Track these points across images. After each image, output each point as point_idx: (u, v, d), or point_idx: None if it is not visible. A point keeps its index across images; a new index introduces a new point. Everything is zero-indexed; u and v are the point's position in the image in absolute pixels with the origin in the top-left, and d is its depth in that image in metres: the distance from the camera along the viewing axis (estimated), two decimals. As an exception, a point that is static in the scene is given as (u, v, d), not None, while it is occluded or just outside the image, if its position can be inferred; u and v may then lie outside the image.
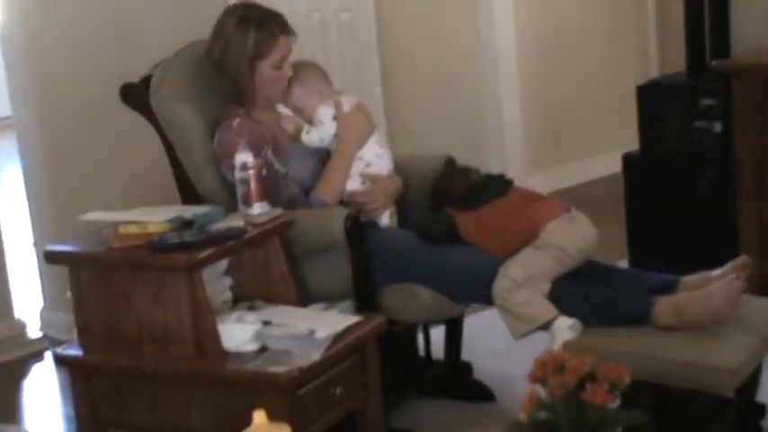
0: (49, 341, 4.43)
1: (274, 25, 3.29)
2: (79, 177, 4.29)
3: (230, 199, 3.19)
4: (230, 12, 3.34)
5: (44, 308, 4.58)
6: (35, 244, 4.54)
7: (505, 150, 5.55)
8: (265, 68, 3.29)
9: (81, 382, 2.99)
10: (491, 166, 5.48)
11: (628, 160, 4.45)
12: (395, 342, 3.42)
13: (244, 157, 3.03)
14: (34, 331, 4.52)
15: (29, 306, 4.65)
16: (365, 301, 3.17)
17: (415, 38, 5.64)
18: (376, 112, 5.72)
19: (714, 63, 4.13)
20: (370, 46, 5.76)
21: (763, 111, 3.93)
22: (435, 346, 3.70)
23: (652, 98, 4.34)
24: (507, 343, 3.29)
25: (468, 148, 5.49)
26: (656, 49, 5.57)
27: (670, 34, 4.90)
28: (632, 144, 4.48)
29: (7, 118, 5.17)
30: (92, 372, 2.97)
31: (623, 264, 4.47)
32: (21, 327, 4.47)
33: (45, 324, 4.55)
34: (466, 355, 3.70)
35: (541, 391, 1.99)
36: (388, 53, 5.71)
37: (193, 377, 2.84)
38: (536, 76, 5.63)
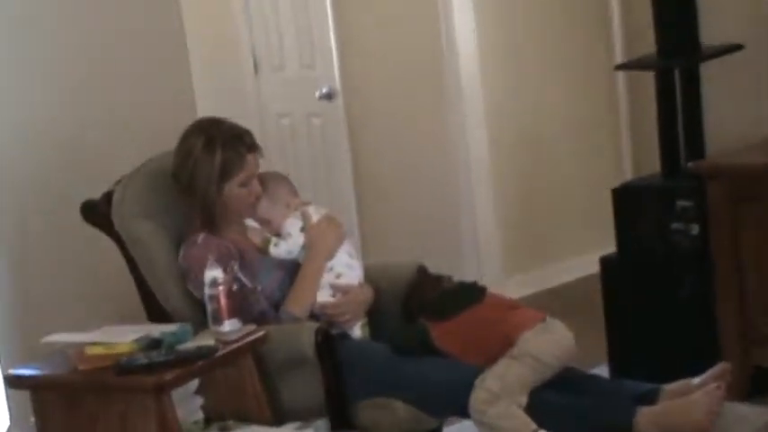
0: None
1: (240, 145, 3.24)
2: (47, 295, 4.18)
3: (198, 315, 3.11)
4: (195, 131, 3.28)
5: (10, 428, 4.44)
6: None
7: (480, 253, 5.49)
8: (233, 188, 3.24)
9: None
10: (466, 269, 5.42)
11: (605, 263, 4.39)
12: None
13: (213, 273, 2.96)
14: (-1, 454, 4.36)
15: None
16: (338, 418, 3.08)
17: (387, 141, 5.63)
18: (349, 215, 5.68)
19: (690, 165, 4.10)
20: (341, 150, 5.74)
21: (739, 212, 3.89)
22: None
23: (627, 200, 4.29)
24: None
25: (442, 251, 5.43)
26: (629, 151, 5.55)
27: (643, 135, 4.88)
28: (610, 245, 4.43)
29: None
30: (57, 501, 2.85)
31: (603, 368, 4.39)
32: (-15, 450, 4.31)
33: (11, 445, 4.40)
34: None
35: None
36: (360, 157, 5.69)
37: (164, 505, 2.72)
38: (510, 179, 5.60)
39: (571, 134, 5.78)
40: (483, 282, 5.27)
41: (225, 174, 3.21)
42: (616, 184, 4.44)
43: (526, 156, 5.66)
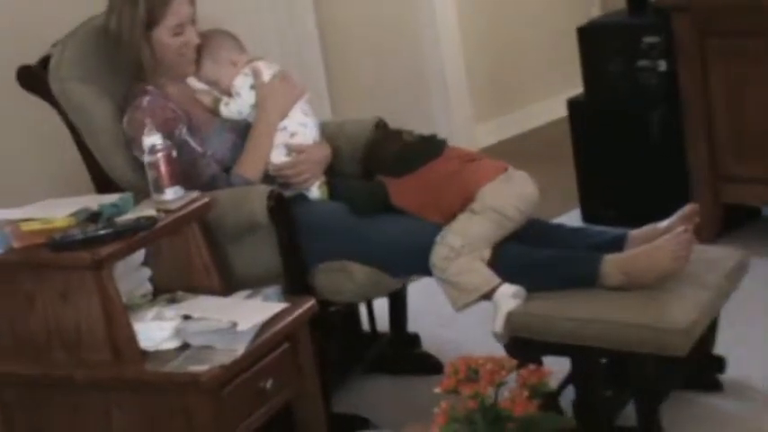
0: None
1: None
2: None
3: (145, 183, 2.96)
4: None
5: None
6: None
7: (449, 101, 5.34)
8: (162, 36, 3.08)
9: (-8, 393, 2.79)
10: (436, 119, 5.29)
11: (573, 106, 4.27)
12: (334, 320, 3.25)
13: (152, 139, 2.81)
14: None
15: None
16: (296, 283, 2.98)
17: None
18: (315, 70, 5.51)
19: (654, -1, 3.94)
20: (305, 2, 5.53)
21: (706, 45, 3.75)
22: (381, 320, 3.52)
23: (593, 39, 4.15)
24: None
25: (410, 100, 5.29)
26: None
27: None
28: (579, 87, 4.29)
29: None
30: (1, 382, 2.76)
31: (575, 214, 4.31)
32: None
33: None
34: (413, 326, 3.52)
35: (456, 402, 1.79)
36: (324, 9, 5.48)
37: (110, 382, 2.63)
38: (475, 23, 5.41)
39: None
40: (453, 130, 5.23)
41: (151, 19, 3.06)
42: (583, 22, 4.28)
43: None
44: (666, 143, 4.00)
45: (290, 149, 3.17)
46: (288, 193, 3.08)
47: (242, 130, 3.18)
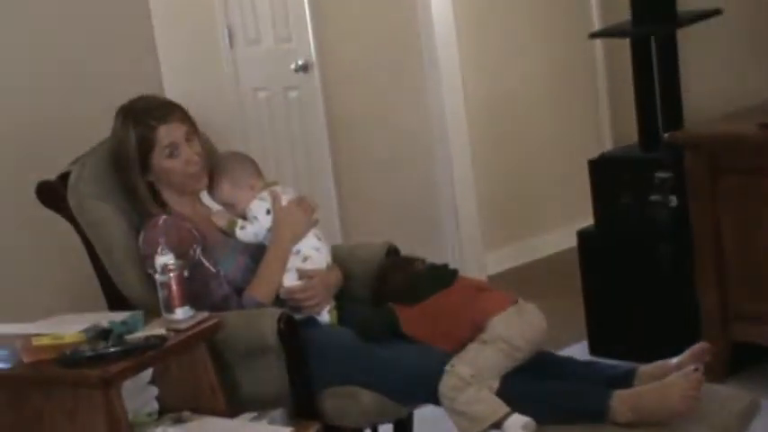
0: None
1: (150, 118, 3.13)
2: (4, 283, 4.05)
3: (157, 300, 2.97)
4: (118, 110, 3.20)
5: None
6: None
7: (459, 229, 5.37)
8: (160, 161, 3.14)
9: None
10: (446, 247, 5.32)
11: (583, 237, 4.29)
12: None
13: (164, 259, 2.84)
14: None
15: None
16: (303, 407, 2.97)
17: (364, 113, 5.50)
18: (326, 188, 5.58)
19: (666, 135, 3.99)
20: (318, 123, 5.62)
21: (717, 182, 3.78)
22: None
23: (605, 172, 4.19)
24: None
25: (422, 230, 5.33)
26: (608, 122, 5.43)
27: (623, 106, 4.75)
28: (590, 218, 4.32)
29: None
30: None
31: (583, 346, 4.30)
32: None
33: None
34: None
35: None
36: (337, 129, 5.57)
37: (112, 502, 2.61)
38: (488, 153, 5.48)
39: (549, 105, 5.66)
40: (463, 258, 5.26)
41: (143, 148, 3.12)
42: (595, 155, 4.33)
43: (504, 129, 5.54)
44: (677, 278, 4.00)
45: (302, 274, 3.19)
46: (298, 317, 3.09)
47: (254, 253, 3.21)
